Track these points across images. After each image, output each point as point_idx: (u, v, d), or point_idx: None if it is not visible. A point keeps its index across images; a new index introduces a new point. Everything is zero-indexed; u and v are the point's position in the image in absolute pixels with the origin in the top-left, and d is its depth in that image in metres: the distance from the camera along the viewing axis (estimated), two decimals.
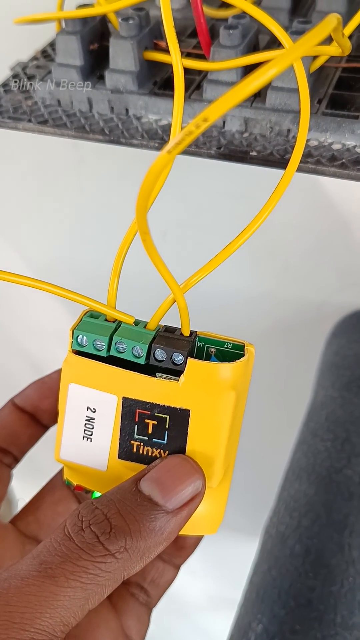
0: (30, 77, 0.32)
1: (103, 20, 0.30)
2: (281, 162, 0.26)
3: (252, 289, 0.54)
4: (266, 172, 0.27)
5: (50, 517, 0.26)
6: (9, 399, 0.27)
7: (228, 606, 0.47)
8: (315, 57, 0.27)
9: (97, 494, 0.23)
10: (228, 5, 0.34)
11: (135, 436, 0.22)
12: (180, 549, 0.26)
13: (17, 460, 0.27)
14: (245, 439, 0.69)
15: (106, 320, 0.22)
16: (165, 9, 0.24)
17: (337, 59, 0.30)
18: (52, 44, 0.35)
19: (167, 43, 0.30)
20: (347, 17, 0.32)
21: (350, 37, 0.31)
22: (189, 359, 0.21)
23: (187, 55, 0.30)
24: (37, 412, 0.27)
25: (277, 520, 0.40)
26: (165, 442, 0.21)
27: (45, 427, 0.27)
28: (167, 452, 0.21)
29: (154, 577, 0.25)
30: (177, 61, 0.23)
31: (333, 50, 0.25)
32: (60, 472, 0.27)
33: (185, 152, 0.28)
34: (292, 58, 0.15)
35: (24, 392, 0.27)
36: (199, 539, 0.26)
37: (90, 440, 0.22)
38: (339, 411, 0.43)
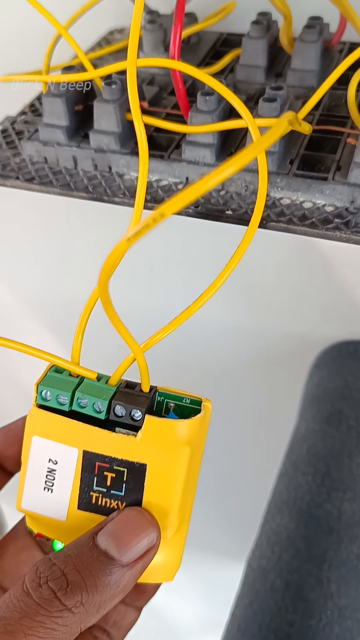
0: (19, 133, 0.34)
1: (88, 81, 0.32)
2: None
3: (237, 322, 0.55)
4: (241, 229, 0.28)
5: (14, 565, 0.27)
6: None
7: (218, 629, 0.48)
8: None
9: (58, 543, 0.24)
10: (207, 64, 0.36)
11: (95, 488, 0.23)
12: (141, 592, 0.27)
13: None
14: (231, 466, 0.70)
15: (70, 375, 0.24)
16: (131, 86, 0.25)
17: (309, 118, 0.31)
18: (39, 98, 0.37)
19: (148, 104, 0.32)
20: (320, 74, 0.34)
21: (321, 98, 0.33)
22: (147, 416, 0.22)
23: (166, 116, 0.32)
24: (2, 459, 0.28)
25: (259, 554, 0.41)
26: (123, 494, 0.22)
27: (10, 474, 0.28)
28: (124, 504, 0.22)
29: (116, 620, 0.26)
30: (142, 141, 0.25)
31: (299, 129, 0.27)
32: (23, 520, 0.28)
33: None
34: (247, 160, 0.16)
35: None
36: (158, 584, 0.27)
37: (51, 491, 0.23)
38: (319, 444, 0.45)
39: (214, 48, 0.38)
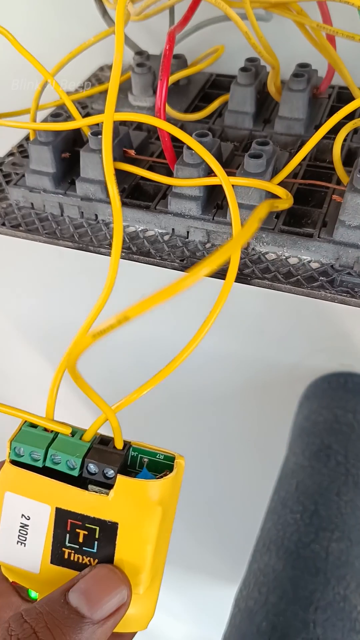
0: (6, 175, 0.34)
1: (75, 129, 0.32)
2: (240, 278, 0.28)
3: (227, 351, 0.55)
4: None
5: None
6: None
7: None
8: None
9: (33, 592, 0.25)
10: (196, 108, 0.36)
11: (67, 544, 0.23)
12: (118, 637, 0.27)
13: None
14: (224, 491, 0.70)
15: (45, 430, 0.24)
16: (106, 142, 0.25)
17: (296, 169, 0.31)
18: (28, 138, 0.36)
19: (135, 152, 0.32)
20: (308, 122, 0.34)
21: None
22: (119, 476, 0.22)
23: (153, 164, 0.32)
24: None
25: (246, 594, 0.40)
26: (95, 551, 0.22)
27: None
28: (96, 560, 0.23)
29: None
30: (115, 198, 0.25)
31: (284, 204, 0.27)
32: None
33: (151, 262, 0.29)
34: (221, 261, 0.16)
35: None
36: (135, 632, 0.27)
37: (24, 545, 0.23)
38: (308, 481, 0.45)
39: (203, 90, 0.38)
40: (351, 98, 0.32)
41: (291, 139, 0.33)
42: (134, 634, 0.28)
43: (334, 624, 0.38)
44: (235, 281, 0.28)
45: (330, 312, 0.49)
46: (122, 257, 0.29)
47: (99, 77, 0.42)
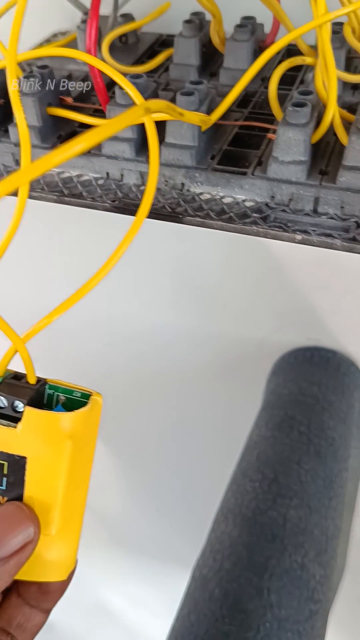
0: None
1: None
2: (172, 216, 0.27)
3: (193, 326, 0.54)
4: (160, 224, 0.28)
5: None
6: None
7: None
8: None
9: None
10: (140, 58, 0.36)
11: None
12: (45, 594, 0.26)
13: None
14: (195, 476, 0.69)
15: None
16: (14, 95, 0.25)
17: (236, 116, 0.31)
18: None
19: (73, 100, 0.31)
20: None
21: (253, 93, 0.32)
22: (27, 408, 0.21)
23: (94, 111, 0.31)
24: None
25: (201, 563, 0.39)
26: (4, 487, 0.22)
27: None
28: (5, 498, 0.22)
29: (20, 622, 0.25)
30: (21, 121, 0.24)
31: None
32: None
33: (82, 205, 0.29)
34: (100, 138, 0.16)
35: None
36: (63, 584, 0.26)
37: None
38: (269, 451, 0.44)
39: (152, 48, 0.37)
40: (300, 53, 0.32)
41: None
42: (64, 587, 0.26)
43: (289, 591, 0.37)
44: (167, 219, 0.27)
45: (296, 283, 0.49)
46: (54, 201, 0.29)
47: (51, 41, 0.41)
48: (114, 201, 0.28)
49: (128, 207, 0.28)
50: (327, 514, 0.41)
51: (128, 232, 0.21)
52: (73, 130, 0.31)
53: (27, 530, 0.20)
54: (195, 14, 0.35)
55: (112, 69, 0.27)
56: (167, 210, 0.27)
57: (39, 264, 0.54)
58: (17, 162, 0.30)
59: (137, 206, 0.28)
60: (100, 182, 0.29)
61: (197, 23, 0.34)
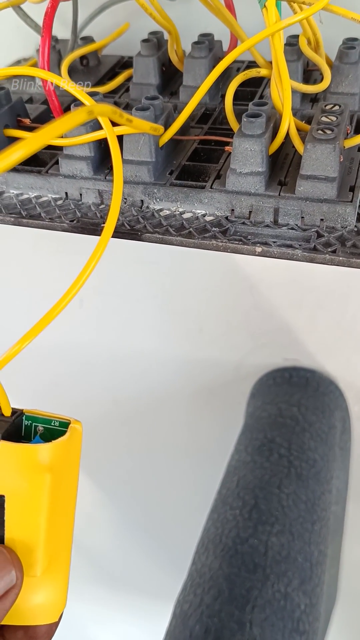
0: None
1: None
2: (130, 233, 0.26)
3: (169, 352, 0.53)
4: (121, 242, 0.27)
5: None
6: None
7: None
8: (162, 134, 0.27)
9: None
10: (102, 80, 0.36)
11: None
12: (33, 638, 0.24)
13: None
14: (180, 506, 0.67)
15: None
16: None
17: (196, 131, 0.30)
18: None
19: (30, 121, 0.31)
20: (213, 91, 0.33)
21: (213, 109, 0.32)
22: (1, 442, 0.20)
23: None
24: None
25: (182, 599, 0.38)
26: None
27: None
28: None
29: None
30: None
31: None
32: None
33: (41, 226, 0.28)
34: (41, 142, 0.15)
35: None
36: (51, 626, 0.24)
37: None
38: (249, 476, 0.42)
39: (113, 70, 0.37)
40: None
41: (196, 108, 0.32)
42: (51, 631, 0.25)
43: (273, 623, 0.35)
44: (126, 237, 0.27)
45: (270, 302, 0.48)
46: (12, 223, 0.28)
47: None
48: (72, 221, 0.27)
49: (87, 226, 0.27)
50: (311, 539, 0.39)
51: (93, 252, 0.20)
52: None
53: (8, 576, 0.19)
54: (152, 33, 0.34)
55: (61, 79, 0.26)
56: (126, 228, 0.27)
57: None
58: None
59: (96, 225, 0.27)
60: (59, 202, 0.28)
61: (155, 42, 0.33)
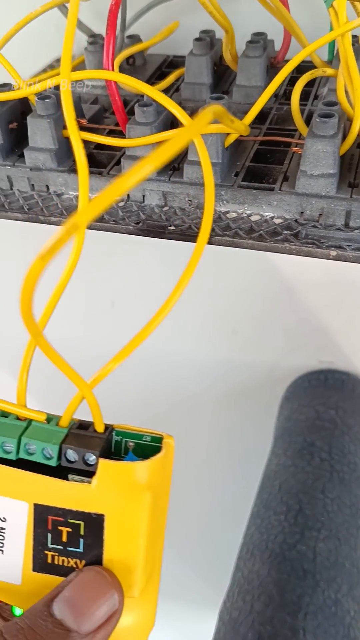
0: None
1: (23, 98, 0.30)
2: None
3: (203, 355, 0.53)
4: (187, 245, 0.26)
5: None
6: None
7: None
8: (228, 135, 0.27)
9: (17, 608, 0.21)
10: (149, 80, 0.35)
11: (49, 545, 0.20)
12: None
13: None
14: (208, 509, 0.66)
15: (17, 418, 0.21)
16: (66, 100, 0.24)
17: (256, 132, 0.30)
18: None
19: (87, 121, 0.30)
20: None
21: (268, 110, 0.32)
22: (100, 460, 0.19)
23: (109, 132, 0.30)
24: None
25: (230, 606, 0.37)
26: (81, 550, 0.20)
27: None
28: (83, 562, 0.20)
29: None
30: (80, 155, 0.23)
31: (235, 128, 0.25)
32: None
33: (104, 228, 0.27)
34: (173, 150, 0.14)
35: None
36: None
37: (2, 553, 0.20)
38: (291, 480, 0.42)
39: (160, 69, 0.37)
40: (310, 69, 0.31)
41: (250, 108, 0.32)
42: None
43: (325, 630, 0.34)
44: (194, 241, 0.26)
45: (306, 304, 0.48)
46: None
47: (54, 67, 0.41)
48: (137, 223, 0.27)
49: (152, 228, 0.26)
50: (357, 545, 0.39)
51: (191, 259, 0.19)
52: (89, 152, 0.29)
53: (111, 599, 0.19)
54: (205, 31, 0.34)
55: (138, 81, 0.26)
56: (194, 231, 0.26)
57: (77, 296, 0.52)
58: (33, 187, 0.29)
59: (163, 228, 0.26)
60: (121, 204, 0.28)
61: (208, 41, 0.33)
